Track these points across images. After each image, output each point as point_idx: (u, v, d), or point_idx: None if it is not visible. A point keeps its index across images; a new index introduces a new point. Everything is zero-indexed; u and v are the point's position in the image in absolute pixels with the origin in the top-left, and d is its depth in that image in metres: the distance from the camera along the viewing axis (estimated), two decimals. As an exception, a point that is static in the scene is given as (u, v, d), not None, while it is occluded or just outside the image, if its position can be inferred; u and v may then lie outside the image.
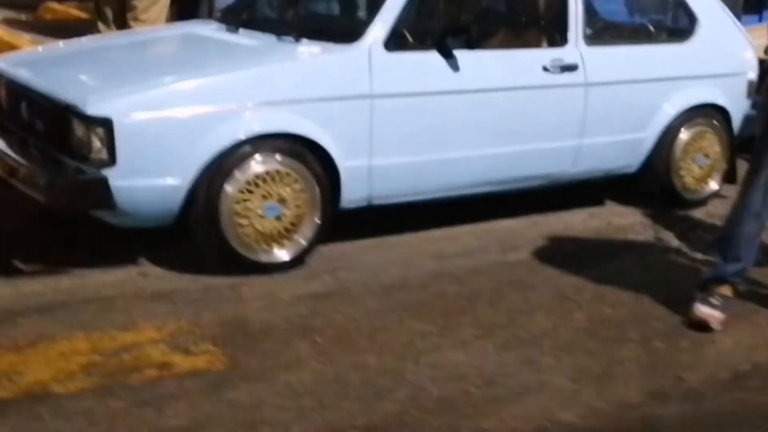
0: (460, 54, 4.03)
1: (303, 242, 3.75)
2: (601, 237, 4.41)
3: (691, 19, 4.81)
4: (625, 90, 4.55)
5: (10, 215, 4.04)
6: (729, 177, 4.90)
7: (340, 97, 3.78)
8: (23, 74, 3.90)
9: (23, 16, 7.61)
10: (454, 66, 4.04)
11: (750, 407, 2.97)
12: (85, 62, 4.00)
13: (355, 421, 2.72)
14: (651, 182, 4.79)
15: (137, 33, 4.79)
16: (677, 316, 3.50)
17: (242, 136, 3.58)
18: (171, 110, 3.49)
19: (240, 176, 3.58)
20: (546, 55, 4.35)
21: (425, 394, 2.88)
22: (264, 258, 3.68)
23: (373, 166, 3.91)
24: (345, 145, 3.81)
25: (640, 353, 3.24)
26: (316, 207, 3.77)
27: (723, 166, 4.91)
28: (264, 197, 3.64)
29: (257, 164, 3.63)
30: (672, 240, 4.39)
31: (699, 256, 4.15)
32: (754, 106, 4.76)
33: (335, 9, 4.59)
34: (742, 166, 4.28)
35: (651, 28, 4.79)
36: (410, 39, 3.96)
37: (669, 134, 4.69)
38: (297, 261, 3.76)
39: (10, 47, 5.78)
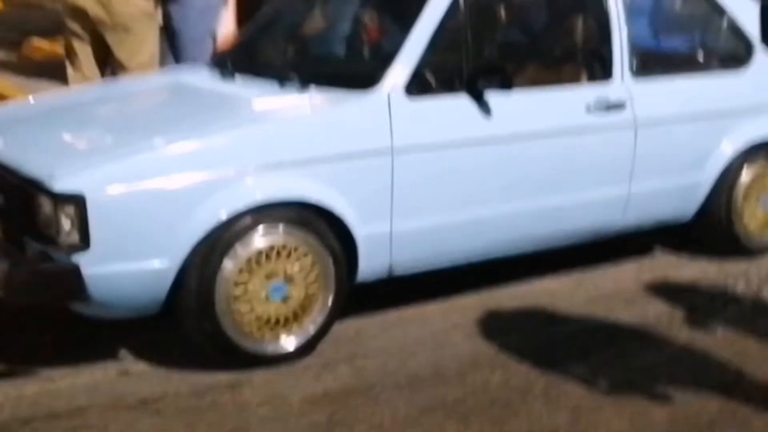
0: (491, 96, 3.47)
1: (314, 327, 3.18)
2: (661, 297, 3.80)
3: (747, 44, 4.24)
4: (679, 128, 3.97)
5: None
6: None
7: (356, 155, 3.21)
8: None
9: (7, 56, 7.09)
10: (487, 111, 3.46)
11: None
12: (53, 124, 3.42)
13: None
14: (709, 230, 4.21)
15: (115, 84, 4.18)
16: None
17: (242, 207, 3.02)
18: (156, 180, 2.92)
19: (239, 254, 3.02)
20: (589, 92, 3.76)
21: None
22: (269, 349, 3.11)
23: (395, 232, 3.33)
24: (362, 210, 3.23)
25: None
26: (330, 284, 3.19)
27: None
28: (268, 277, 3.08)
29: (260, 238, 3.06)
30: (747, 297, 3.80)
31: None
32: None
33: (346, 50, 3.99)
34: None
35: (703, 55, 4.22)
36: (435, 82, 3.40)
37: (728, 175, 4.10)
38: (307, 348, 3.21)
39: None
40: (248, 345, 3.08)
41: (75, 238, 2.84)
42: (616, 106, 3.78)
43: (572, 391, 3.01)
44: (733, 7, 4.22)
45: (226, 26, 4.90)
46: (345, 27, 3.93)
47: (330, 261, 3.18)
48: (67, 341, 3.25)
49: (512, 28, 4.00)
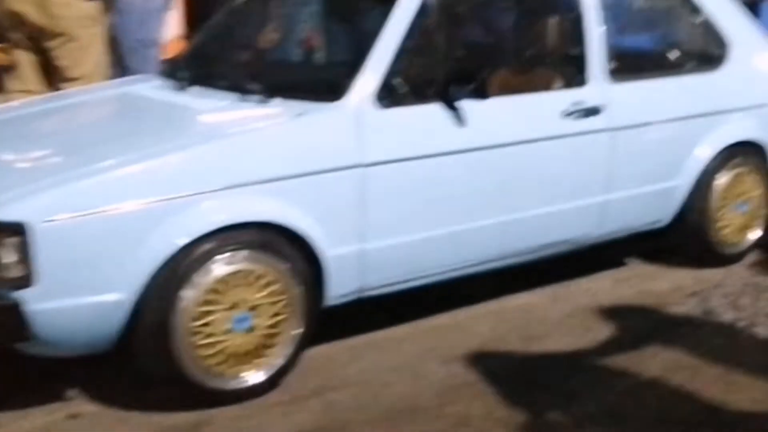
0: (465, 104, 3.26)
1: (282, 359, 2.95)
2: (638, 311, 3.64)
3: (721, 44, 4.09)
4: (655, 132, 3.80)
5: None
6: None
7: (324, 170, 2.97)
8: None
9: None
10: (461, 120, 3.26)
11: None
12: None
13: None
14: (683, 237, 4.06)
15: (59, 97, 3.76)
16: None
17: (200, 232, 2.77)
18: (107, 206, 2.65)
19: (199, 283, 2.77)
20: (564, 97, 3.57)
21: None
22: (233, 385, 2.87)
23: (366, 251, 3.11)
24: (331, 230, 3.00)
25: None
26: (298, 312, 2.96)
27: (764, 211, 4.24)
28: (230, 307, 2.84)
29: (221, 266, 2.81)
30: (724, 311, 3.63)
31: (762, 332, 3.46)
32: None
33: (310, 58, 3.72)
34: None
35: (678, 56, 4.04)
36: (406, 91, 3.15)
37: (704, 180, 3.97)
38: (274, 381, 2.96)
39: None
40: (211, 381, 2.83)
41: (18, 272, 2.57)
42: (593, 111, 3.60)
43: (555, 418, 2.83)
44: (708, 5, 4.08)
45: (172, 31, 4.59)
46: (307, 33, 3.67)
47: (298, 287, 2.95)
48: (11, 380, 2.97)
49: (484, 32, 3.80)
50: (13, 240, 2.55)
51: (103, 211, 2.65)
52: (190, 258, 2.76)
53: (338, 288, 3.10)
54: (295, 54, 3.77)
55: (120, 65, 4.45)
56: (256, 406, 2.87)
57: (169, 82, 3.49)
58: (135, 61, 4.40)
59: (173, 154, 2.81)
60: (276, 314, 2.92)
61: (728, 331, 3.49)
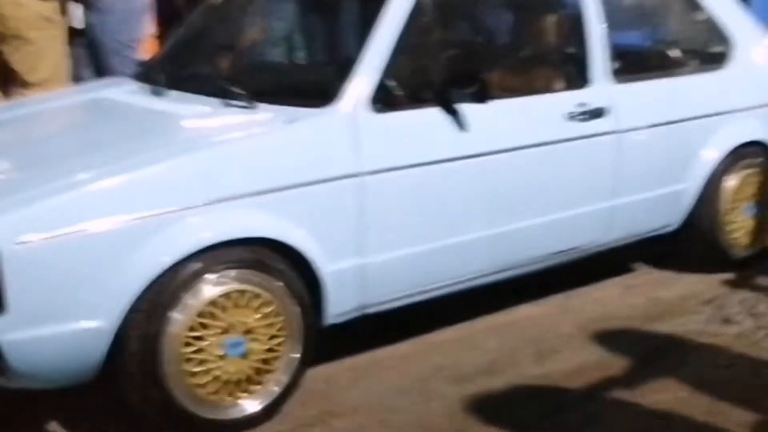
0: (465, 108, 3.06)
1: (280, 385, 2.72)
2: (652, 322, 3.43)
3: (725, 42, 3.92)
4: (662, 134, 3.61)
5: None
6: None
7: (317, 181, 2.75)
8: None
9: None
10: (461, 125, 3.06)
11: None
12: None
13: None
14: (693, 241, 3.88)
15: (22, 105, 3.47)
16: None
17: (188, 250, 2.54)
18: (82, 225, 2.41)
19: (188, 306, 2.54)
20: (568, 99, 3.37)
21: None
22: (228, 414, 2.64)
23: (366, 266, 2.90)
24: (327, 244, 2.79)
25: None
26: (296, 334, 2.74)
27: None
28: (223, 331, 2.62)
29: (211, 287, 2.59)
30: (742, 318, 3.43)
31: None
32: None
33: (298, 59, 3.49)
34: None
35: (683, 55, 3.86)
36: (402, 93, 2.95)
37: (713, 182, 3.78)
38: (273, 409, 2.74)
39: None
40: (203, 411, 2.60)
41: (-14, 299, 2.35)
42: (598, 113, 3.41)
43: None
44: (711, 3, 3.92)
45: (147, 31, 4.36)
46: (294, 33, 3.45)
47: (295, 307, 2.74)
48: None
49: (483, 31, 3.60)
50: (-20, 265, 2.33)
51: (79, 231, 2.41)
52: (177, 279, 2.54)
53: (337, 306, 2.88)
54: (281, 55, 3.53)
55: (96, 68, 4.22)
56: (254, 437, 2.66)
57: (145, 86, 3.25)
58: (115, 62, 4.17)
59: (154, 165, 2.57)
60: (272, 337, 2.70)
61: (749, 341, 3.29)
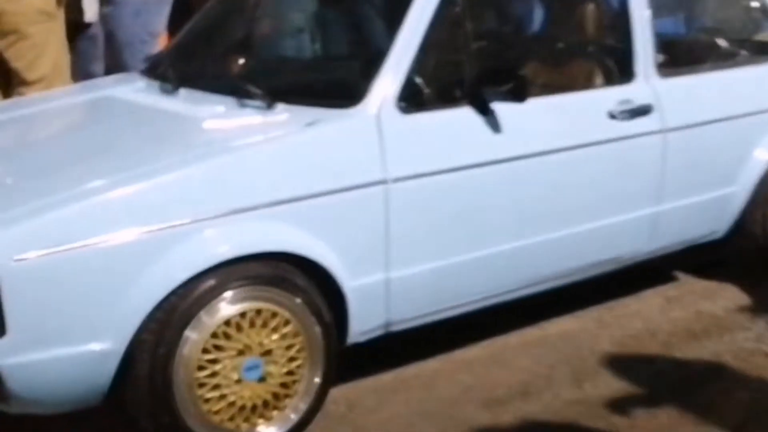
0: (498, 107, 2.84)
1: (299, 412, 2.52)
2: (699, 338, 3.20)
3: (779, 31, 3.69)
4: (711, 133, 3.36)
5: None
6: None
7: (341, 189, 2.55)
8: None
9: None
10: (495, 126, 2.85)
11: None
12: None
13: None
14: (741, 249, 3.64)
15: (22, 105, 3.23)
16: None
17: (203, 265, 2.35)
18: (89, 240, 2.22)
19: (202, 326, 2.35)
20: (610, 96, 3.14)
21: None
22: (244, 443, 2.47)
23: (393, 280, 2.69)
24: (352, 257, 2.58)
25: None
26: (317, 356, 2.54)
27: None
28: (240, 352, 2.43)
29: (226, 305, 2.39)
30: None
31: None
32: None
33: (319, 56, 3.25)
34: None
35: (731, 44, 3.62)
36: (432, 92, 2.74)
37: (765, 185, 3.52)
38: (293, 434, 2.57)
39: None
40: (218, 440, 2.43)
41: (-17, 321, 2.16)
42: (643, 111, 3.18)
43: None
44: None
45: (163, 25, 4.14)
46: (315, 27, 3.21)
47: (316, 326, 2.54)
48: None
49: (517, 22, 3.38)
50: (-23, 284, 2.14)
51: (85, 246, 2.22)
52: (190, 297, 2.34)
53: (362, 324, 2.68)
54: (301, 50, 3.30)
55: (112, 62, 4.02)
56: (271, 468, 2.47)
57: (154, 84, 3.05)
58: (126, 56, 3.97)
59: (167, 174, 2.37)
60: (291, 359, 2.50)
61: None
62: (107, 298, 2.26)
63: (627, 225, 3.22)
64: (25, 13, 3.66)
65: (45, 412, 2.41)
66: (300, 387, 2.52)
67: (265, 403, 2.47)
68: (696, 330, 3.28)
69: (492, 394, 2.84)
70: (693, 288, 3.65)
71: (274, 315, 2.46)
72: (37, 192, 2.31)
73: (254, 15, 3.40)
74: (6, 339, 2.18)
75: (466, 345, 3.13)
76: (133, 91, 3.07)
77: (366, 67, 2.76)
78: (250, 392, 2.44)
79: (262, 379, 2.46)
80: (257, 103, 2.71)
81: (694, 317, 3.39)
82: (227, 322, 2.39)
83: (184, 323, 2.34)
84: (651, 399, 2.81)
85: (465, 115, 2.80)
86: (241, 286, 2.42)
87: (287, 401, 2.51)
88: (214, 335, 2.38)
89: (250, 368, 2.43)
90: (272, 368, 2.47)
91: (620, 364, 3.04)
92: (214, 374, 2.38)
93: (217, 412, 2.40)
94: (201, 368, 2.37)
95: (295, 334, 2.50)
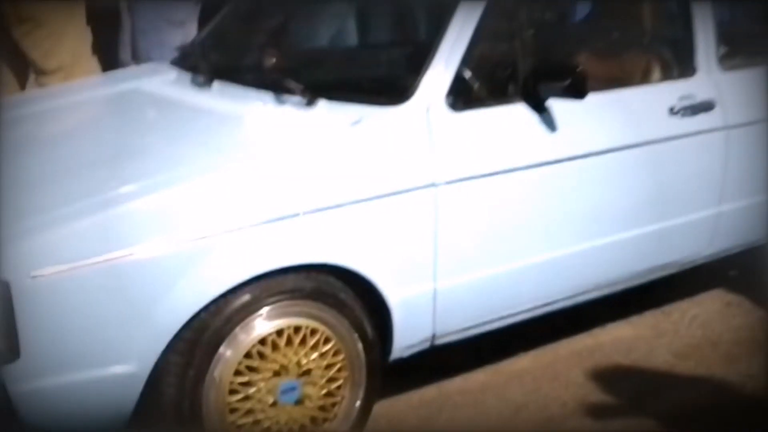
0: (554, 104, 2.61)
1: (341, 435, 2.36)
2: (764, 348, 3.01)
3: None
4: (773, 129, 3.18)
5: None
6: None
7: (388, 194, 2.32)
8: None
9: None
10: (551, 123, 2.63)
11: None
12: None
13: None
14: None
15: (42, 98, 2.99)
16: None
17: (237, 279, 2.14)
18: (113, 253, 2.01)
19: (236, 345, 2.15)
20: (671, 91, 2.91)
21: None
22: (280, 472, 2.27)
23: (441, 291, 2.48)
24: (397, 267, 2.36)
25: None
26: (359, 377, 2.34)
27: None
28: (275, 374, 2.23)
29: (261, 322, 2.19)
30: None
31: None
32: None
33: (364, 50, 3.01)
34: None
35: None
36: (483, 89, 2.51)
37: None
38: (332, 461, 2.36)
39: None
40: (252, 468, 2.24)
41: (-3, 344, 1.97)
42: (705, 107, 2.94)
43: None
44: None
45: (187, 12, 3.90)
46: (359, 17, 2.98)
47: (358, 343, 2.34)
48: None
49: (572, 13, 3.13)
50: (-9, 303, 1.95)
51: (108, 261, 2.01)
52: (222, 315, 2.14)
53: (406, 338, 2.47)
54: (343, 42, 3.07)
55: (133, 51, 3.80)
56: (310, 499, 2.27)
57: (184, 75, 2.82)
58: (145, 44, 3.75)
59: (197, 180, 2.15)
60: (331, 380, 2.31)
61: None
62: (132, 317, 2.06)
63: (688, 227, 2.99)
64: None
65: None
66: (340, 410, 2.32)
67: (302, 428, 2.28)
68: (760, 340, 3.04)
69: (545, 412, 2.64)
70: (752, 291, 3.40)
71: (314, 332, 2.25)
72: (54, 199, 2.11)
73: (293, 3, 3.15)
74: (19, 363, 1.98)
75: (512, 355, 2.94)
76: (163, 83, 2.85)
77: (414, 60, 2.54)
78: (286, 417, 2.24)
79: (299, 402, 2.26)
80: (297, 99, 2.48)
81: (758, 324, 3.16)
82: (262, 341, 2.19)
83: (216, 343, 2.14)
84: (726, 417, 2.60)
85: (519, 113, 2.57)
86: (278, 301, 2.21)
87: (326, 425, 2.31)
88: (248, 355, 2.18)
89: (286, 390, 2.23)
90: (310, 390, 2.27)
91: (680, 378, 2.83)
92: (247, 398, 2.18)
93: (251, 439, 2.22)
94: (233, 392, 2.17)
95: (336, 353, 2.30)
